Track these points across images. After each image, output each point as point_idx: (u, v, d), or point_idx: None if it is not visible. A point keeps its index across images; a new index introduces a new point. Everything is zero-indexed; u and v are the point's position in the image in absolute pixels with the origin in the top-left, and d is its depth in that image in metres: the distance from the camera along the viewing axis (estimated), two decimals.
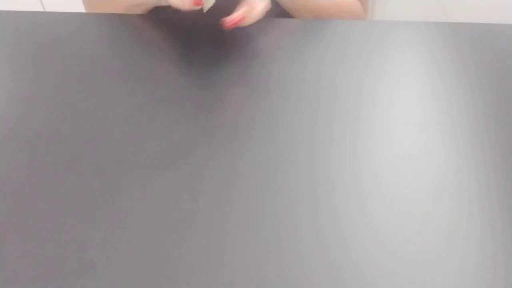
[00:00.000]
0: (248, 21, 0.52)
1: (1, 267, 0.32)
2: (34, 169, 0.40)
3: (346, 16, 0.67)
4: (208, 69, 0.51)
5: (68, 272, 0.32)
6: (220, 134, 0.43)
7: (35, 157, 0.41)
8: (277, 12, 0.64)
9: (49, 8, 1.50)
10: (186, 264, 0.33)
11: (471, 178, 0.39)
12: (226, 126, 0.44)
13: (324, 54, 0.53)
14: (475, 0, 1.24)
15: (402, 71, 0.51)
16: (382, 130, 0.43)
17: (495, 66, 0.51)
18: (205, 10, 0.52)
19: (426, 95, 0.47)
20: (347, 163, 0.40)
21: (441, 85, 0.49)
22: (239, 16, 0.50)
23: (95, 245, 0.34)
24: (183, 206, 0.36)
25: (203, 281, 0.32)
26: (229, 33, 0.56)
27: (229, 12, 0.57)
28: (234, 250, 0.33)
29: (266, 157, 0.40)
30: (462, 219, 0.36)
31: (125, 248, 0.34)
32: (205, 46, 0.55)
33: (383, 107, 0.46)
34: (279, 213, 0.36)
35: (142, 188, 0.38)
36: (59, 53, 0.53)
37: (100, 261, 0.33)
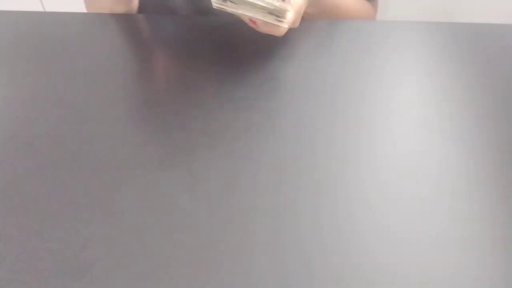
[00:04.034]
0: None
1: (1, 267, 0.32)
2: (34, 169, 0.40)
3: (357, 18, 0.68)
4: (208, 69, 0.51)
5: (68, 272, 0.32)
6: (220, 134, 0.43)
7: (35, 157, 0.41)
8: None
9: (49, 8, 1.49)
10: (186, 264, 0.33)
11: (471, 177, 0.39)
12: (226, 126, 0.44)
13: (325, 54, 0.53)
14: (475, 0, 1.24)
15: (403, 70, 0.51)
16: (383, 130, 0.43)
17: (494, 66, 0.51)
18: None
19: (427, 94, 0.47)
20: (348, 163, 0.40)
21: (441, 85, 0.49)
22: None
23: (95, 245, 0.34)
24: (183, 206, 0.36)
25: (203, 280, 0.32)
26: (230, 33, 0.56)
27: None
28: (234, 249, 0.33)
29: (267, 157, 0.40)
30: (463, 219, 0.36)
31: (125, 248, 0.34)
32: (206, 46, 0.55)
33: (384, 107, 0.46)
34: (280, 213, 0.36)
35: (142, 188, 0.38)
36: (59, 53, 0.53)
37: (100, 261, 0.33)
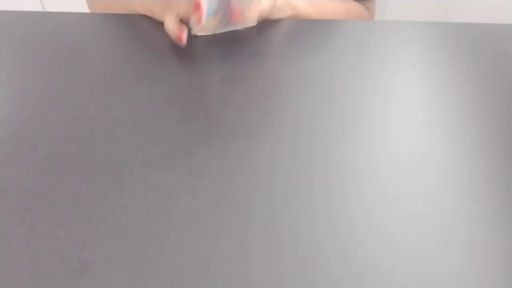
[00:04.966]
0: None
1: (1, 267, 0.32)
2: (34, 169, 0.40)
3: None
4: (208, 69, 0.51)
5: (68, 272, 0.32)
6: (220, 134, 0.43)
7: (35, 157, 0.41)
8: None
9: (49, 8, 1.49)
10: (185, 264, 0.33)
11: (472, 178, 0.39)
12: (226, 126, 0.44)
13: (324, 54, 0.53)
14: (475, 0, 1.24)
15: (402, 71, 0.51)
16: (382, 130, 0.43)
17: (495, 66, 0.51)
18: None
19: (426, 94, 0.47)
20: (347, 163, 0.40)
21: (441, 85, 0.49)
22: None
23: (95, 245, 0.34)
24: (183, 206, 0.36)
25: (202, 280, 0.32)
26: (229, 33, 0.56)
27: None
28: (233, 249, 0.33)
29: (266, 157, 0.40)
30: (463, 220, 0.36)
31: (124, 248, 0.34)
32: (205, 46, 0.55)
33: (383, 107, 0.46)
34: (278, 213, 0.36)
35: (142, 188, 0.38)
36: (59, 53, 0.53)
37: (100, 261, 0.33)
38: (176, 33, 0.52)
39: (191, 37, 0.55)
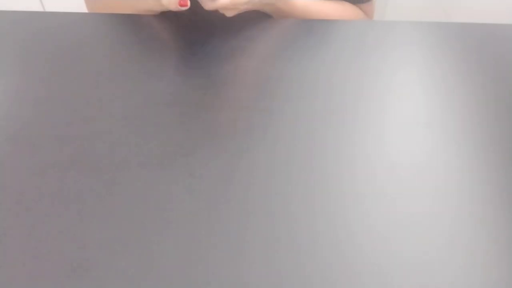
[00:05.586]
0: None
1: (1, 267, 0.32)
2: (34, 169, 0.40)
3: None
4: (208, 69, 0.51)
5: (68, 272, 0.32)
6: (220, 134, 0.43)
7: (35, 157, 0.41)
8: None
9: (49, 8, 1.49)
10: (186, 264, 0.33)
11: (473, 178, 0.39)
12: (226, 126, 0.44)
13: (324, 54, 0.53)
14: (475, 1, 1.24)
15: (402, 71, 0.51)
16: (382, 130, 0.43)
17: (495, 66, 0.51)
18: None
19: (426, 95, 0.47)
20: (346, 164, 0.40)
21: (441, 85, 0.49)
22: None
23: (94, 245, 0.34)
24: (183, 205, 0.36)
25: (201, 280, 0.32)
26: (229, 33, 0.56)
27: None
28: (232, 249, 0.33)
29: (265, 157, 0.40)
30: (464, 221, 0.36)
31: (125, 248, 0.34)
32: (205, 46, 0.55)
33: (383, 107, 0.46)
34: (277, 213, 0.36)
35: (142, 188, 0.38)
36: (59, 53, 0.53)
37: (99, 261, 0.33)
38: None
39: (191, 38, 0.55)
